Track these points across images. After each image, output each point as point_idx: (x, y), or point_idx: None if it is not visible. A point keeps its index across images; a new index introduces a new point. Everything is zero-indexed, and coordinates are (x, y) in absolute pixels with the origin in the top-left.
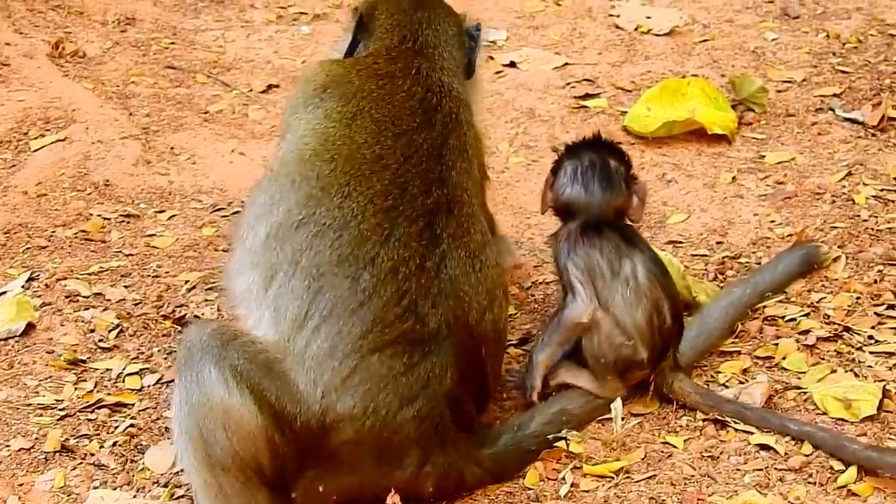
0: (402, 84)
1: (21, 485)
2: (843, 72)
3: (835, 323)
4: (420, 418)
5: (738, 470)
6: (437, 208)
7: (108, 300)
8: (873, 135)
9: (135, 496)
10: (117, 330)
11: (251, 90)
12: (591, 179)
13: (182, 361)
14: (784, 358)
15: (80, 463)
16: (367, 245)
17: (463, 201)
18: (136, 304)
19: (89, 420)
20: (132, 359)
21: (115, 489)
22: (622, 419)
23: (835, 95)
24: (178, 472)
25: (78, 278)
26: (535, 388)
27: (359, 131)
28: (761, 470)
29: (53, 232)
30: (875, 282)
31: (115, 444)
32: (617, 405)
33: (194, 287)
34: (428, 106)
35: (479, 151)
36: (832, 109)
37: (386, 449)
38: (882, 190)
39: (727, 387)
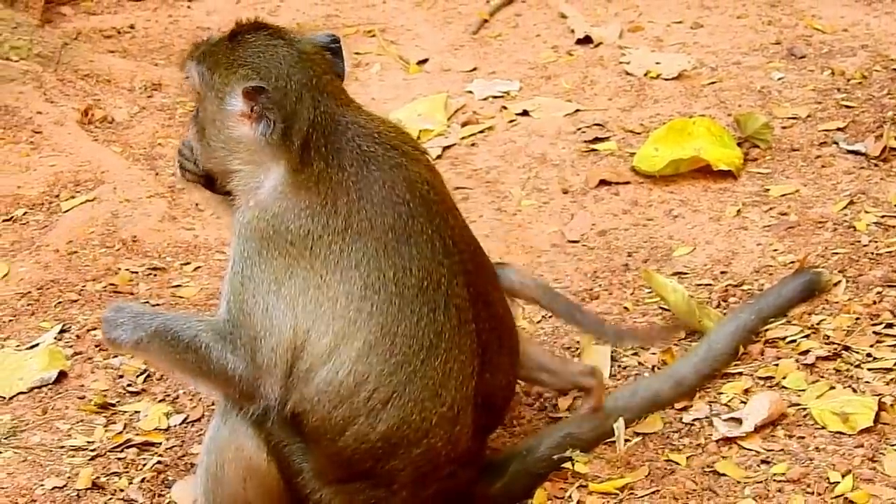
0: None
1: None
2: (847, 106)
3: (834, 343)
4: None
5: (738, 483)
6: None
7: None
8: (875, 165)
9: None
10: (145, 375)
11: None
12: None
13: (223, 403)
14: (784, 377)
15: (111, 498)
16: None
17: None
18: None
19: (119, 459)
20: (159, 401)
21: None
22: (626, 439)
23: (839, 129)
24: None
25: None
26: None
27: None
28: (761, 482)
29: (84, 286)
30: (874, 303)
31: (143, 479)
32: (620, 425)
33: None
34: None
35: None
36: (836, 143)
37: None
38: (883, 216)
39: (730, 407)
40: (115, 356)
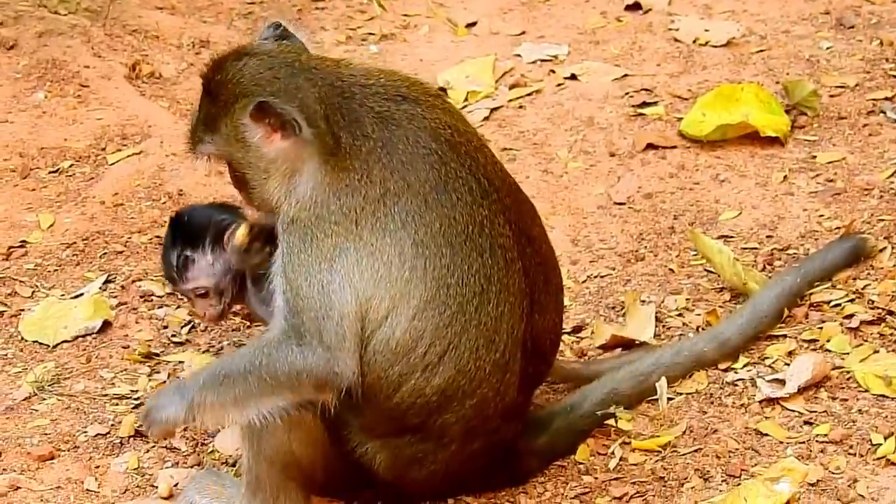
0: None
1: (97, 467)
2: (895, 76)
3: (878, 307)
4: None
5: (780, 443)
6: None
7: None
8: None
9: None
10: (189, 326)
11: None
12: None
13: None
14: (828, 340)
15: (153, 447)
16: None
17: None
18: None
19: None
20: (203, 351)
21: (185, 469)
22: (669, 397)
23: (886, 99)
24: None
25: (152, 279)
26: None
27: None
28: (803, 443)
29: (129, 238)
30: None
31: (185, 429)
32: (662, 383)
33: None
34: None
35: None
36: (883, 112)
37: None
38: None
39: (774, 368)
40: (161, 307)
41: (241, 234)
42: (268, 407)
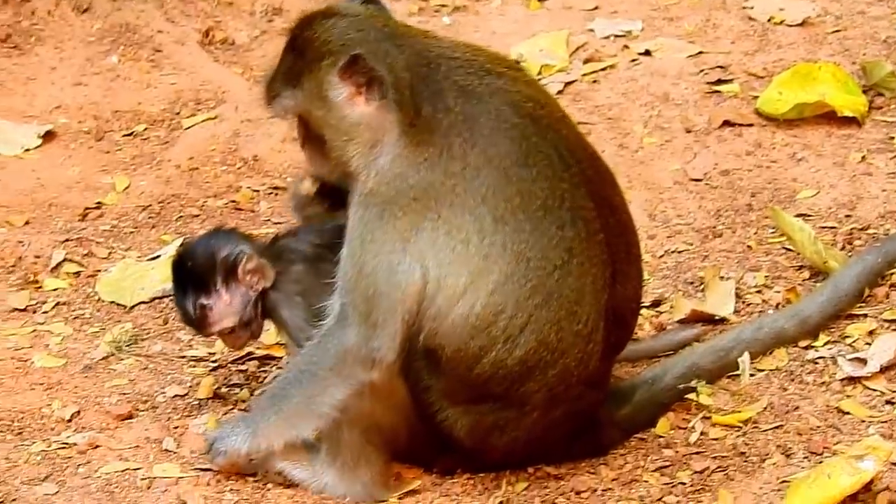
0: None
1: (176, 427)
2: None
3: None
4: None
5: (862, 422)
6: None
7: None
8: None
9: None
10: None
11: None
12: None
13: None
14: None
15: (232, 409)
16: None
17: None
18: None
19: (240, 371)
20: None
21: None
22: (749, 373)
23: None
24: None
25: None
26: None
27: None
28: (885, 422)
29: (205, 202)
30: None
31: (264, 392)
32: (745, 358)
33: None
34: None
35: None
36: None
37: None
38: None
39: (854, 347)
40: None
41: (306, 185)
42: (328, 405)
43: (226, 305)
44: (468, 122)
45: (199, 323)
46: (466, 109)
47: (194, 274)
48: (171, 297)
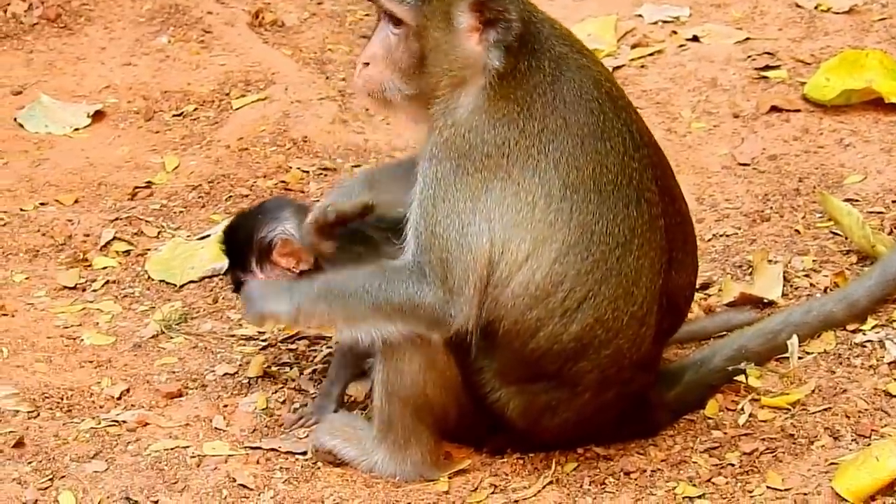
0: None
1: (225, 406)
2: None
3: None
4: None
5: None
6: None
7: None
8: None
9: None
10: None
11: None
12: None
13: None
14: None
15: (281, 388)
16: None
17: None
18: None
19: (290, 350)
20: None
21: None
22: (798, 356)
23: None
24: None
25: None
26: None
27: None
28: None
29: (255, 182)
30: None
31: (314, 371)
32: (794, 341)
33: None
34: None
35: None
36: None
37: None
38: None
39: None
40: None
41: (331, 213)
42: (378, 330)
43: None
44: (554, 86)
45: (239, 294)
46: (556, 73)
47: (234, 250)
48: (222, 274)
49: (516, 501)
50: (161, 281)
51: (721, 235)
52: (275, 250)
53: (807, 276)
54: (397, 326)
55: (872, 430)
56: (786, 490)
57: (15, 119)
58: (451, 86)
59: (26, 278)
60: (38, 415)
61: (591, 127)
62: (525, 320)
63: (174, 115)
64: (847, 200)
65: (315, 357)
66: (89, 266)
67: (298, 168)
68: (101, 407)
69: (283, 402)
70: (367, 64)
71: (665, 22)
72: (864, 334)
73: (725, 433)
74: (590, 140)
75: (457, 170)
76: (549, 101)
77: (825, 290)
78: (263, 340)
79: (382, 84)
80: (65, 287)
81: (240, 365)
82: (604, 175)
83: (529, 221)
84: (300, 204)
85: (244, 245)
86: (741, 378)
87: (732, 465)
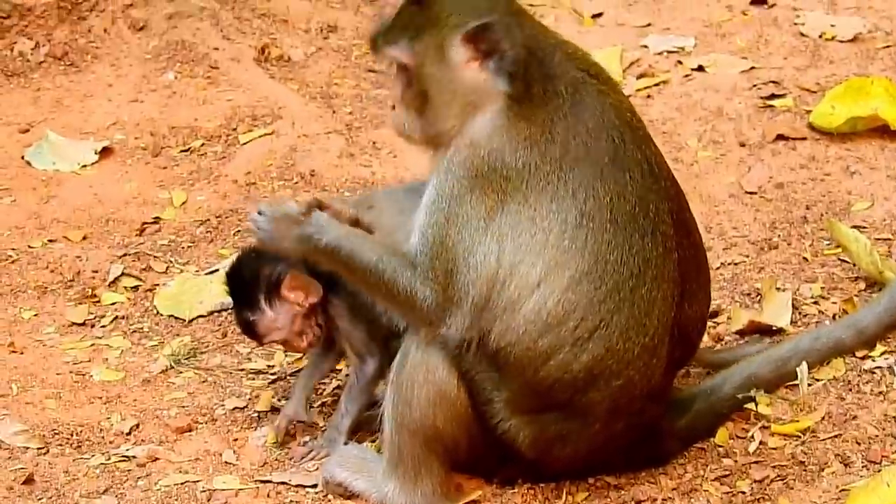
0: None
1: (235, 440)
2: None
3: None
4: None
5: None
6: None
7: None
8: None
9: None
10: None
11: None
12: None
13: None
14: None
15: (291, 421)
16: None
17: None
18: None
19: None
20: None
21: None
22: (808, 383)
23: None
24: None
25: None
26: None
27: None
28: None
29: None
30: None
31: (323, 404)
32: (803, 368)
33: None
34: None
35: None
36: None
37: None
38: None
39: None
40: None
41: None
42: (382, 304)
43: (271, 321)
44: (574, 110)
45: (250, 335)
46: (575, 98)
47: (240, 289)
48: (230, 309)
49: None
50: (170, 316)
51: (729, 264)
52: (283, 286)
53: (815, 303)
54: (397, 307)
55: (883, 457)
56: None
57: (23, 157)
58: (463, 114)
59: (35, 315)
60: (48, 451)
61: (612, 156)
62: (536, 348)
63: (181, 151)
64: (854, 227)
65: (324, 390)
66: (98, 302)
67: None
68: (110, 442)
69: (294, 436)
70: (394, 107)
71: (670, 52)
72: (874, 360)
73: (736, 461)
74: (609, 169)
75: (473, 189)
76: (571, 125)
77: (834, 317)
78: (272, 374)
79: (404, 124)
80: (73, 323)
81: (249, 399)
82: (621, 205)
83: (543, 246)
84: None
85: (251, 284)
86: (751, 406)
87: (743, 492)
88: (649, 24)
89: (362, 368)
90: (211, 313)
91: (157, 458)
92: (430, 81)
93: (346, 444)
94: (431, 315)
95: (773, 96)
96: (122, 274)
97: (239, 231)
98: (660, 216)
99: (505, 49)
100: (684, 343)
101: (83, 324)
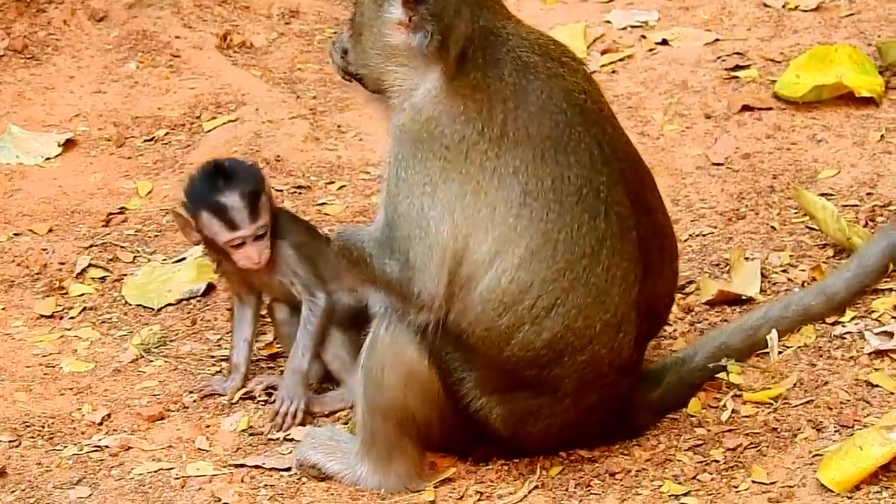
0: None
1: (208, 426)
2: None
3: None
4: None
5: (892, 394)
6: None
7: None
8: None
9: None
10: None
11: None
12: None
13: (383, 309)
14: None
15: (263, 406)
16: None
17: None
18: None
19: (269, 368)
20: None
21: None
22: (778, 350)
23: None
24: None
25: None
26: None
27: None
28: None
29: None
30: None
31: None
32: (773, 336)
33: None
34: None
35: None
36: None
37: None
38: None
39: (881, 322)
40: None
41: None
42: (374, 294)
43: (266, 200)
44: (517, 94)
45: (250, 214)
46: (520, 83)
47: (240, 171)
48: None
49: None
50: (138, 305)
51: (697, 235)
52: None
53: (784, 271)
54: (381, 291)
55: (855, 420)
56: (771, 484)
57: None
58: (399, 67)
59: (3, 309)
60: (20, 444)
61: (555, 139)
62: (496, 327)
63: (146, 141)
64: (821, 195)
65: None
66: (66, 294)
67: (272, 187)
68: (82, 433)
69: (266, 422)
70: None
71: (634, 27)
72: (844, 326)
73: (709, 430)
74: (552, 152)
75: (416, 154)
76: (511, 108)
77: (803, 285)
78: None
79: (339, 53)
80: (42, 316)
81: None
82: (566, 186)
83: (489, 222)
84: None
85: (247, 164)
86: (723, 375)
87: (717, 461)
88: (612, 0)
89: (314, 303)
90: (179, 301)
91: (129, 447)
92: (363, 20)
93: (311, 387)
94: (403, 289)
95: (737, 67)
96: (90, 265)
97: None
98: (613, 197)
99: (430, 30)
100: (652, 317)
101: (51, 316)
